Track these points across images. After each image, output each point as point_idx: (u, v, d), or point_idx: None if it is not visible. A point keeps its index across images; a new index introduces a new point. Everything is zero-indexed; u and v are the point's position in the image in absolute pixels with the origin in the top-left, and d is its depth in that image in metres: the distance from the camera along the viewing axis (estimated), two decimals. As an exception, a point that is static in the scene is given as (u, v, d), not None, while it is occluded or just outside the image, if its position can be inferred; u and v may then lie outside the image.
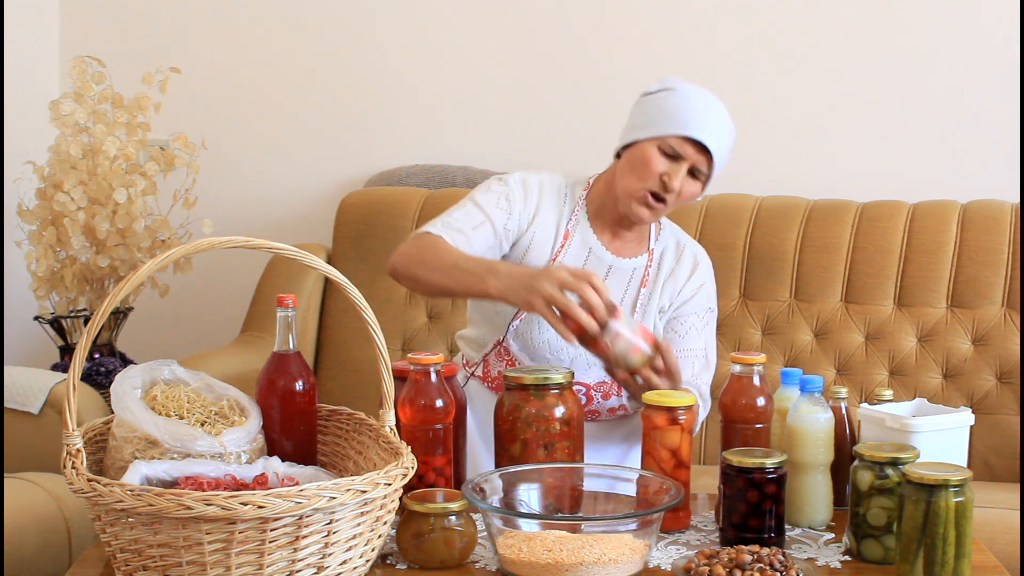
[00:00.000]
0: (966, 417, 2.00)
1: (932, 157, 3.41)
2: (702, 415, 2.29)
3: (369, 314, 1.76)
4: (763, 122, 3.45)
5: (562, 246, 2.34)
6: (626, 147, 2.30)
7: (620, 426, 2.38)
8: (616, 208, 2.33)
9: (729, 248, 3.16)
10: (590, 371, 2.30)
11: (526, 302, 2.04)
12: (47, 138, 3.28)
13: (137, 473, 1.70)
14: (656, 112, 2.26)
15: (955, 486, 1.69)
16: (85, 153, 3.18)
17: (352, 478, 1.61)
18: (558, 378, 2.00)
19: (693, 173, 2.25)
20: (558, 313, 2.02)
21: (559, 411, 1.99)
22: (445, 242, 2.24)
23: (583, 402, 2.30)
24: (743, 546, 1.75)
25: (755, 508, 1.83)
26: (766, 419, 2.00)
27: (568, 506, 1.91)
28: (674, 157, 2.24)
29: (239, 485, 1.72)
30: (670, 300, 2.36)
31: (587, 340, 2.05)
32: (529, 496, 1.89)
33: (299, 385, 1.91)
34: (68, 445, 1.65)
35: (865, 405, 2.05)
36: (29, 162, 3.26)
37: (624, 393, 2.32)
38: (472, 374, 2.38)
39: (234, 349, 3.18)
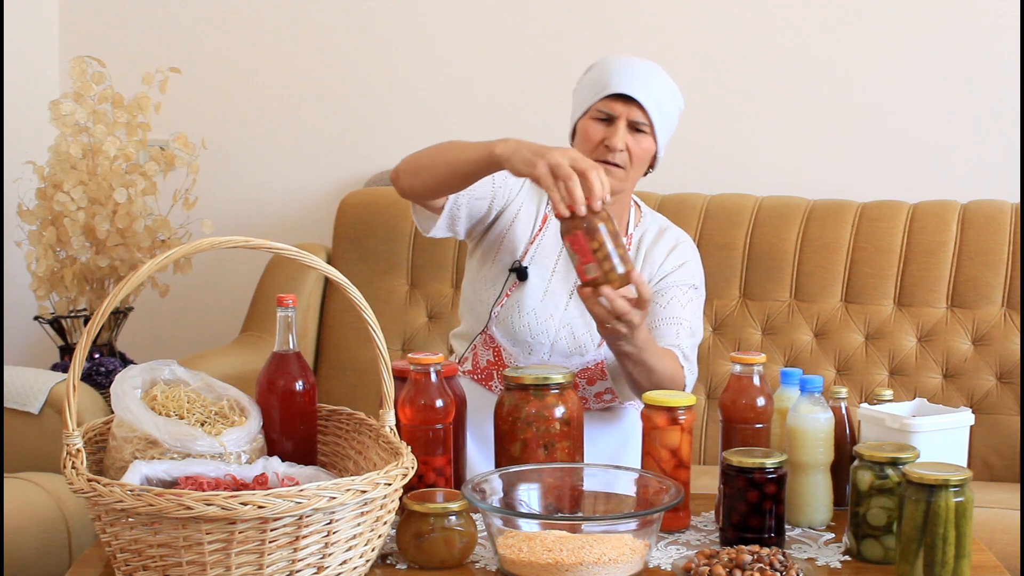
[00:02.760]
0: (966, 417, 2.00)
1: (932, 157, 3.41)
2: (690, 379, 2.29)
3: (369, 314, 1.76)
4: (764, 122, 3.45)
5: (540, 229, 2.37)
6: (574, 136, 2.36)
7: (614, 421, 2.39)
8: None
9: (729, 248, 3.16)
10: (571, 359, 2.31)
11: (529, 163, 2.05)
12: (47, 138, 3.28)
13: (137, 473, 1.70)
14: (583, 89, 2.33)
15: (955, 486, 1.69)
16: (85, 153, 3.18)
17: (352, 478, 1.61)
18: (558, 378, 2.00)
19: (638, 128, 2.28)
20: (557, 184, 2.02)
21: (559, 411, 1.99)
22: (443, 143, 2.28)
23: None
24: (743, 546, 1.75)
25: (755, 508, 1.83)
26: (766, 419, 2.00)
27: (568, 506, 1.91)
28: (607, 120, 2.27)
29: (239, 485, 1.72)
30: (649, 277, 2.36)
31: (571, 228, 2.02)
32: (529, 496, 1.89)
33: (299, 385, 1.92)
34: (68, 445, 1.65)
35: (865, 405, 2.05)
36: (29, 162, 3.26)
37: (609, 376, 2.32)
38: (462, 371, 2.39)
39: (234, 349, 3.18)
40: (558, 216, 2.03)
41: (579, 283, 2.07)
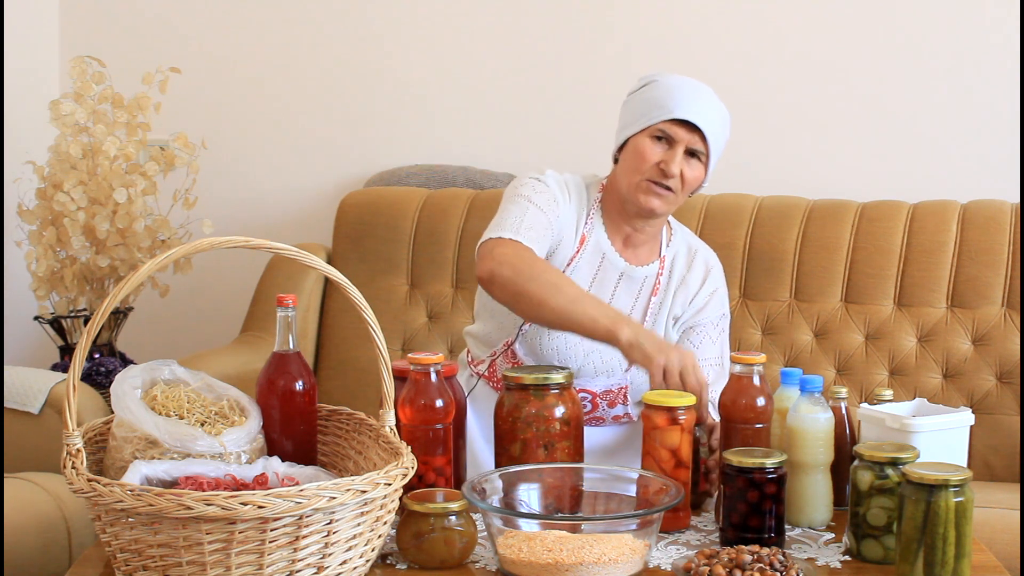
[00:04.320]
0: (966, 417, 2.00)
1: (932, 157, 3.41)
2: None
3: (369, 314, 1.76)
4: (763, 122, 3.45)
5: (577, 250, 2.33)
6: (621, 148, 2.31)
7: (624, 431, 2.38)
8: (625, 214, 2.32)
9: (729, 248, 3.15)
10: (597, 379, 2.30)
11: (648, 357, 2.05)
12: (47, 138, 3.28)
13: (137, 473, 1.70)
14: (642, 105, 2.28)
15: (955, 486, 1.69)
16: (85, 153, 3.18)
17: (352, 478, 1.61)
18: (558, 378, 2.00)
19: (692, 155, 2.26)
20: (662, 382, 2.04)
21: (559, 411, 1.99)
22: (542, 260, 2.21)
23: (588, 409, 2.30)
24: (743, 546, 1.75)
25: (755, 508, 1.83)
26: (766, 419, 2.00)
27: (568, 506, 1.91)
28: (668, 143, 2.25)
29: (239, 485, 1.72)
30: (683, 309, 2.36)
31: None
32: (529, 496, 1.89)
33: (299, 385, 1.91)
34: (68, 445, 1.65)
35: (865, 405, 2.05)
36: (29, 162, 3.26)
37: (629, 401, 2.32)
38: (479, 374, 2.37)
39: (234, 349, 3.18)
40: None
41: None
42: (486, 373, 2.36)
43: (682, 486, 1.84)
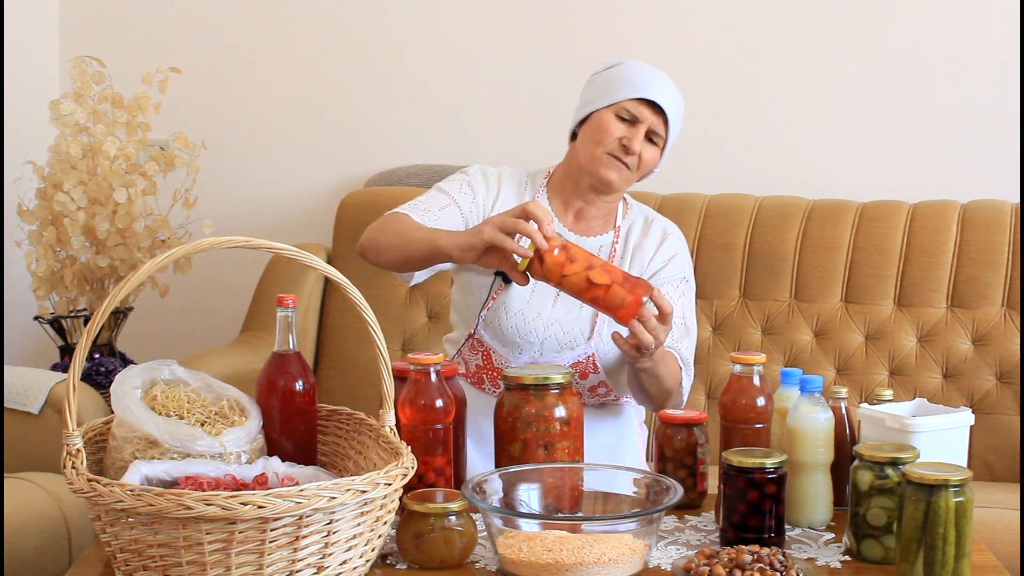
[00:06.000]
0: (966, 417, 2.00)
1: (932, 157, 3.41)
2: (687, 383, 2.29)
3: (369, 314, 1.76)
4: (764, 122, 3.45)
5: None
6: (582, 123, 2.34)
7: (611, 416, 2.38)
8: (579, 188, 2.35)
9: (729, 248, 3.16)
10: (563, 354, 2.31)
11: (474, 233, 2.04)
12: (47, 138, 3.28)
13: (137, 473, 1.70)
14: (608, 83, 2.32)
15: (955, 486, 1.69)
16: (85, 153, 3.18)
17: (352, 478, 1.61)
18: (558, 378, 2.00)
19: (651, 139, 2.29)
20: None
21: (559, 411, 1.99)
22: (410, 218, 2.27)
23: None
24: (743, 546, 1.75)
25: (755, 508, 1.83)
26: (766, 419, 2.00)
27: (568, 506, 1.91)
28: (631, 121, 2.28)
29: (239, 485, 1.72)
30: (639, 272, 2.36)
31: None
32: (529, 496, 1.89)
33: (299, 385, 1.91)
34: (68, 445, 1.65)
35: (865, 405, 2.05)
36: (29, 162, 3.26)
37: (601, 369, 2.32)
38: (459, 374, 2.39)
39: (234, 349, 3.18)
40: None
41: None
42: (463, 371, 2.38)
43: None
